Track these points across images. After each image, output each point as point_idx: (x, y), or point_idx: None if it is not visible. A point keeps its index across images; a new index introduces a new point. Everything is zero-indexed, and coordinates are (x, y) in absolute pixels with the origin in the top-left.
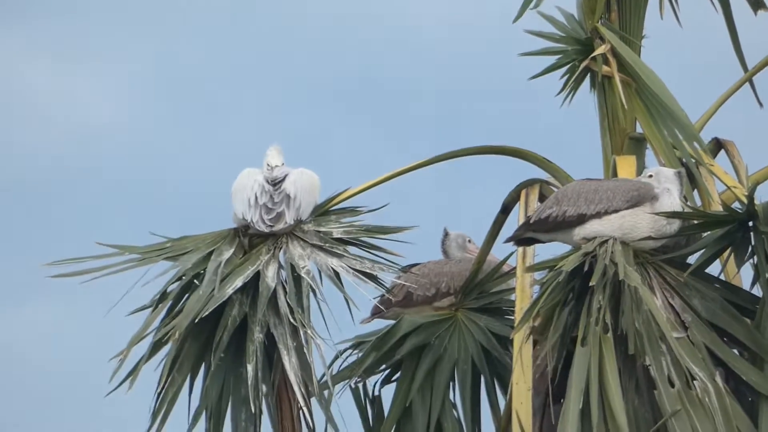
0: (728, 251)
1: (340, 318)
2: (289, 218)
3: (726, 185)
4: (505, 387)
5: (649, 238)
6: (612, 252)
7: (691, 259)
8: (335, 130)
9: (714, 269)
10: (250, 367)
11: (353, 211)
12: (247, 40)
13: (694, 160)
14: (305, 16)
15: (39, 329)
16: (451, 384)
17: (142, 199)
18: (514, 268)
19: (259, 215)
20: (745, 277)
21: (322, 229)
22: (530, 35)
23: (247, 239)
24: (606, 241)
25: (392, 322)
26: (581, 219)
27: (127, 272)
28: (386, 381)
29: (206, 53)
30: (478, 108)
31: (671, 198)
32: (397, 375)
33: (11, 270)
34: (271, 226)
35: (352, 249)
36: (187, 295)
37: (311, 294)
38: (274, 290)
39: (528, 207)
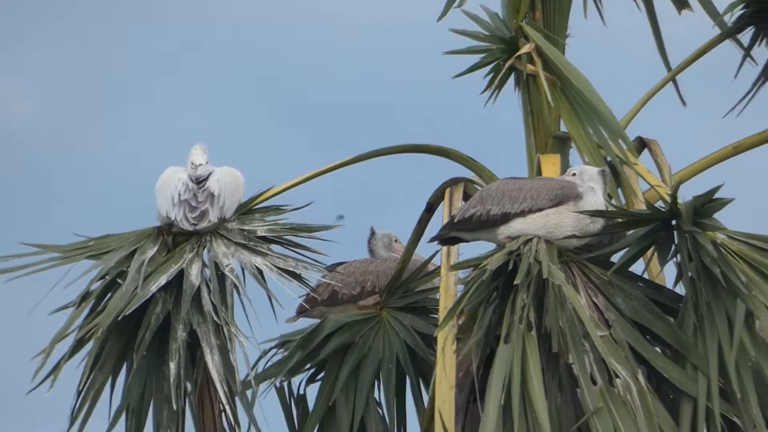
0: (652, 250)
1: (264, 317)
2: (213, 216)
3: (650, 184)
4: (430, 385)
5: (573, 236)
6: (536, 250)
7: (615, 258)
8: (258, 130)
9: (638, 268)
10: (172, 366)
11: (277, 209)
12: (171, 39)
13: (618, 159)
14: (227, 15)
15: None
16: (375, 383)
17: (64, 198)
18: (439, 267)
19: (183, 213)
20: (668, 275)
21: (246, 227)
22: (455, 34)
23: (171, 238)
24: (530, 240)
25: (317, 321)
26: (505, 218)
27: (49, 271)
28: (311, 380)
29: (128, 50)
30: (402, 107)
31: (595, 196)
32: (322, 374)
33: None
34: (194, 224)
35: (276, 247)
36: (110, 294)
37: (235, 292)
38: (198, 288)
39: (452, 206)
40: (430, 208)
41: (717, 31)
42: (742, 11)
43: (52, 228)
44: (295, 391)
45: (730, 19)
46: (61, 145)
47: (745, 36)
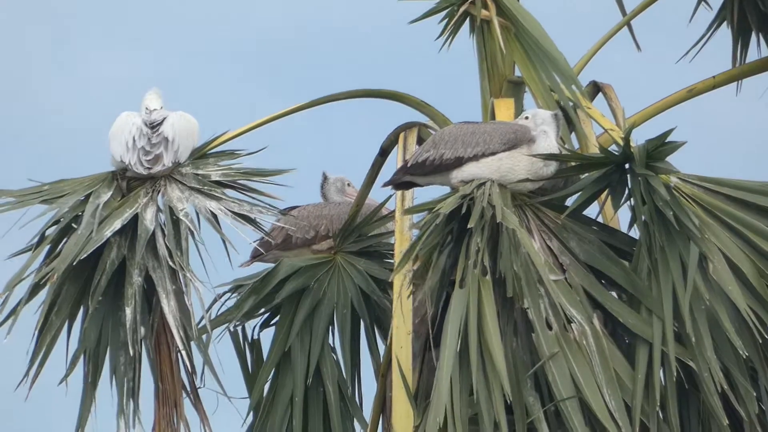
0: (605, 193)
1: (219, 261)
2: (167, 160)
3: (603, 128)
4: (385, 331)
5: (527, 180)
6: (489, 194)
7: (569, 202)
8: (213, 77)
9: (592, 212)
10: (128, 311)
11: (231, 154)
12: None
13: (571, 103)
14: None
15: None
16: (330, 328)
17: (18, 143)
18: (393, 211)
19: (137, 157)
20: (622, 219)
21: (201, 172)
22: None
23: (125, 182)
24: (483, 184)
25: (271, 265)
26: (459, 162)
27: (3, 215)
28: (265, 324)
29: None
30: (356, 52)
31: (548, 140)
32: (277, 318)
33: None
34: (148, 168)
35: (230, 192)
36: (65, 239)
37: (190, 237)
38: (153, 233)
39: (406, 150)
40: (384, 153)
41: None
42: None
43: (5, 173)
44: (250, 336)
45: None
46: (14, 90)
47: None
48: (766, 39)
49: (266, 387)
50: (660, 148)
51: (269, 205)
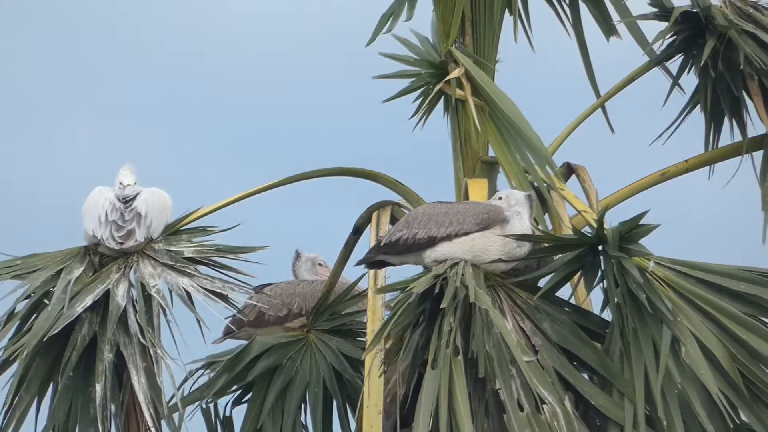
0: (578, 275)
1: (191, 338)
2: (140, 236)
3: (577, 209)
4: (357, 409)
5: (500, 260)
6: (463, 274)
7: (542, 283)
8: (186, 153)
9: (564, 293)
10: (98, 387)
11: (204, 230)
12: (88, 58)
13: (545, 184)
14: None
15: None
16: (302, 406)
17: None
18: (366, 289)
19: (110, 232)
20: (595, 301)
21: (173, 248)
22: (385, 58)
23: (98, 258)
24: (457, 264)
25: (245, 342)
26: (432, 241)
27: None
28: (238, 402)
29: (48, 66)
30: (332, 130)
31: (521, 221)
32: (249, 396)
33: None
34: (121, 243)
35: (203, 269)
36: (35, 314)
37: (162, 313)
38: (125, 309)
39: (379, 229)
40: (357, 231)
41: (646, 58)
42: (671, 39)
43: None
44: (222, 413)
45: (659, 47)
46: None
47: (674, 64)
48: (739, 124)
49: None
50: (633, 230)
51: (242, 282)
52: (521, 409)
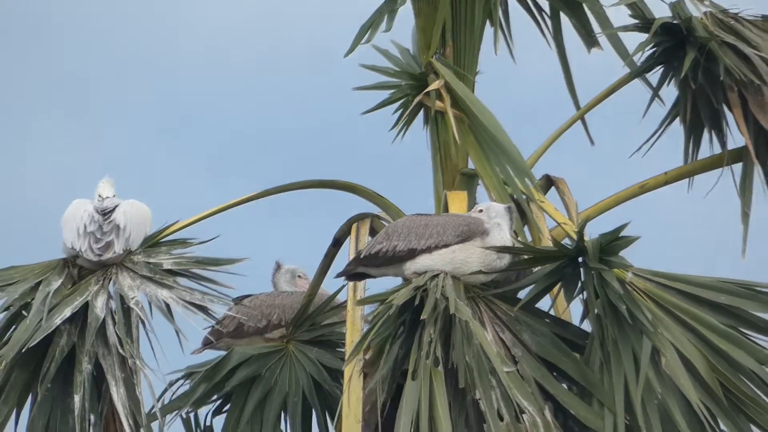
0: (558, 286)
1: (170, 349)
2: (119, 248)
3: (556, 221)
4: (336, 419)
5: (480, 272)
6: (443, 286)
7: (522, 294)
8: (164, 166)
9: (544, 304)
10: (77, 398)
11: (184, 242)
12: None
13: (525, 196)
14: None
15: None
16: (281, 416)
17: None
18: (346, 301)
19: (88, 244)
20: (574, 312)
21: (152, 260)
22: (365, 69)
23: (77, 270)
24: (437, 276)
25: (224, 352)
26: (411, 254)
27: None
28: (217, 411)
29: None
30: (311, 142)
31: (501, 233)
32: (228, 406)
33: None
34: (99, 255)
35: (182, 280)
36: (14, 326)
37: (141, 325)
38: (103, 321)
39: (359, 241)
40: (337, 243)
41: (626, 70)
42: (651, 50)
43: None
44: (202, 423)
45: (639, 58)
46: None
47: (654, 75)
48: (719, 136)
49: None
50: (613, 242)
51: (221, 294)
52: (501, 419)
